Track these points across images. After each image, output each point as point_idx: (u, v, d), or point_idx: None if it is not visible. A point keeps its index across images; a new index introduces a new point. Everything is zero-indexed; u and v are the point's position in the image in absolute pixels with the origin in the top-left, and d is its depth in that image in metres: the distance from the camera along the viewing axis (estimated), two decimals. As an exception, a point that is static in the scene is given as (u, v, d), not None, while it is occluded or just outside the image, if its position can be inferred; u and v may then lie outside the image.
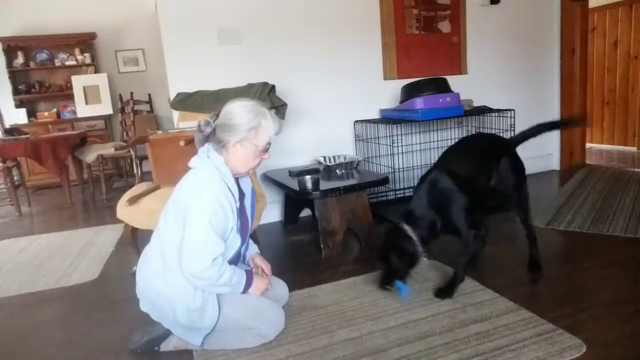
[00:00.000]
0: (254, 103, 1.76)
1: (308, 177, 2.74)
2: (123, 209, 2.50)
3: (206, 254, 1.65)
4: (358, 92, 3.72)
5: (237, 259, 1.90)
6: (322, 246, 2.77)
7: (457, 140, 3.86)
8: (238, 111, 1.71)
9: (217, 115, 1.75)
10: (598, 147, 5.77)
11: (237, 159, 1.75)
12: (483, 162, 2.17)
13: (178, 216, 1.71)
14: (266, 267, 1.98)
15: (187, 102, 3.08)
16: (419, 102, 3.27)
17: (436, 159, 3.75)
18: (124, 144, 5.04)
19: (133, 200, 2.46)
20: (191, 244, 1.65)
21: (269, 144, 1.78)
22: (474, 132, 3.89)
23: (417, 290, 2.18)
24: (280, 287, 2.04)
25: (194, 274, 1.66)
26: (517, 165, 2.24)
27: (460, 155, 2.22)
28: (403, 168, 3.53)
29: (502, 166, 2.19)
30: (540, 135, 2.35)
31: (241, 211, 1.83)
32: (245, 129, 1.69)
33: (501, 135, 3.60)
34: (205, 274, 1.66)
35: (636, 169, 4.43)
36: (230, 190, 1.72)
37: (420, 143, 3.70)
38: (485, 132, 3.77)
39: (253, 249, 2.05)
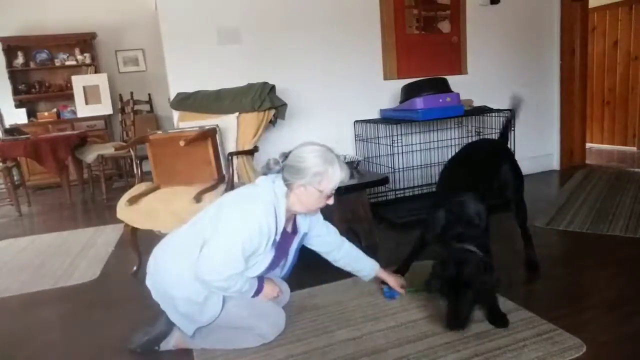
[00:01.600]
0: (325, 149, 1.77)
1: (308, 177, 2.74)
2: (123, 209, 2.49)
3: (224, 270, 1.66)
4: (358, 92, 3.72)
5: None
6: (322, 246, 2.77)
7: (455, 139, 3.89)
8: (307, 155, 1.73)
9: (287, 156, 1.77)
10: (598, 147, 5.77)
11: (299, 200, 1.76)
12: (488, 171, 2.18)
13: (216, 219, 1.72)
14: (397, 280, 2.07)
15: (187, 102, 3.08)
16: (419, 102, 3.27)
17: (435, 158, 3.82)
18: (124, 144, 5.04)
19: (133, 201, 2.46)
20: (215, 255, 1.66)
21: (333, 190, 1.78)
22: (473, 133, 3.89)
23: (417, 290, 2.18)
24: (282, 289, 2.04)
25: (206, 281, 1.68)
26: (517, 169, 2.28)
27: (467, 168, 2.18)
28: (403, 168, 3.53)
29: (504, 170, 2.22)
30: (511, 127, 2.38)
31: (283, 246, 1.85)
32: (310, 173, 1.71)
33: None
34: (217, 284, 1.69)
35: (636, 169, 4.44)
36: (276, 220, 1.73)
37: (420, 143, 3.70)
38: (486, 131, 3.77)
39: (375, 265, 2.10)
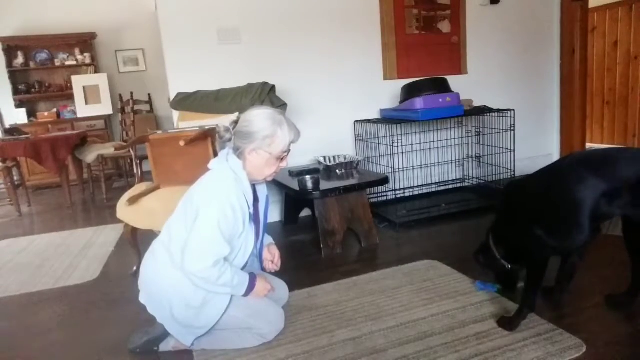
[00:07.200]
0: (273, 111, 1.77)
1: (308, 177, 2.74)
2: (123, 209, 2.49)
3: (209, 254, 1.65)
4: (358, 92, 3.71)
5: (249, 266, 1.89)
6: (322, 246, 2.77)
7: (455, 139, 3.88)
8: (255, 119, 1.72)
9: (237, 123, 1.76)
10: (598, 147, 5.77)
11: (252, 166, 1.76)
12: None
13: (188, 215, 1.72)
14: (278, 255, 2.01)
15: (187, 102, 3.08)
16: (419, 102, 3.27)
17: (435, 158, 3.84)
18: (124, 144, 5.04)
19: (133, 200, 2.46)
20: (196, 242, 1.66)
21: (285, 152, 1.78)
22: (473, 133, 3.89)
23: (417, 290, 2.18)
24: (281, 288, 2.04)
25: (194, 272, 1.67)
26: None
27: None
28: (403, 168, 3.53)
29: None
30: None
31: (255, 216, 1.84)
32: (260, 137, 1.70)
33: (501, 134, 3.63)
34: (205, 273, 1.66)
35: (636, 169, 4.43)
36: (245, 196, 1.73)
37: (420, 143, 3.70)
38: (486, 131, 3.77)
39: (268, 239, 2.07)
